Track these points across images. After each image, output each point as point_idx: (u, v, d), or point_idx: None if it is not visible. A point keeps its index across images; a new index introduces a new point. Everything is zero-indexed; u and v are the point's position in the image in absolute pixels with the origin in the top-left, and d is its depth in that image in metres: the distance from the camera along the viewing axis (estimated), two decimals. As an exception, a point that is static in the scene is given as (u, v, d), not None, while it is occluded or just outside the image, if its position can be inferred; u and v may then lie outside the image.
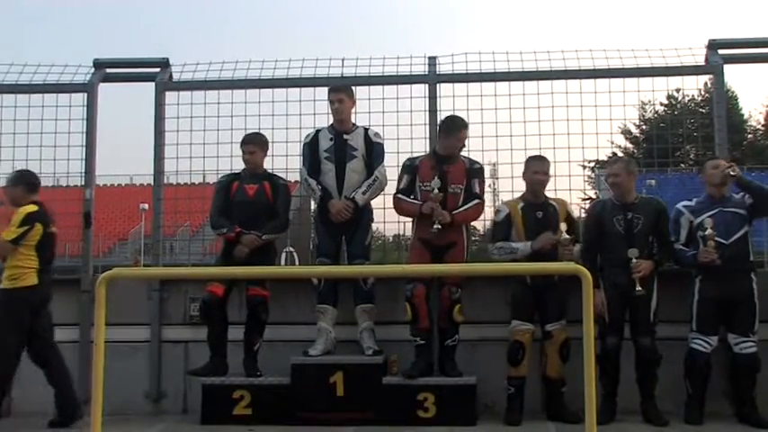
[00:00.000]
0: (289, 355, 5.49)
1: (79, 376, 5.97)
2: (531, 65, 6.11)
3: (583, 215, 6.64)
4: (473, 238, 6.02)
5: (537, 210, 5.40)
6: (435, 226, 5.30)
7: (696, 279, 5.26)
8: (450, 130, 5.53)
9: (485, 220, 5.90)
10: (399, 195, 5.57)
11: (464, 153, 5.71)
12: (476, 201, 5.49)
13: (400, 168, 5.68)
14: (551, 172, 5.61)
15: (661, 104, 29.97)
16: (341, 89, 5.77)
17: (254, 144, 5.77)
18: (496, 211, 5.60)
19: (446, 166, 5.50)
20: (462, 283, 5.41)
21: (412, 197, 5.53)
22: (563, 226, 5.26)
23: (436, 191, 5.32)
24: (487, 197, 5.91)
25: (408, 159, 5.69)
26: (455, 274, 5.24)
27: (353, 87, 5.92)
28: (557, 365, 5.26)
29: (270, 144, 5.96)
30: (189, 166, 6.33)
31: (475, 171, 5.58)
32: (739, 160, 5.45)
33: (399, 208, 5.62)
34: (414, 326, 5.39)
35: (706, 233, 5.12)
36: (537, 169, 5.46)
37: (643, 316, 5.23)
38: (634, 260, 5.15)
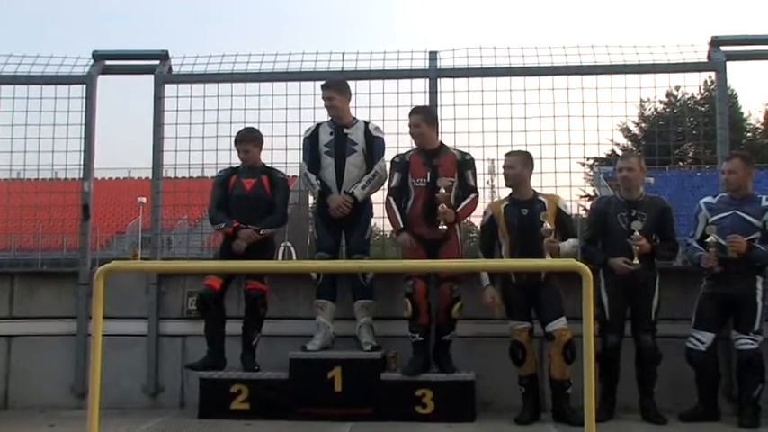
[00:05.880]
0: (287, 350, 5.47)
1: (76, 369, 5.98)
2: (532, 60, 6.08)
3: (581, 212, 6.61)
4: (470, 234, 5.98)
5: (522, 207, 5.32)
6: (441, 226, 5.28)
7: (703, 278, 5.26)
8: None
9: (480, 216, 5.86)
10: (390, 198, 5.55)
11: (465, 147, 5.71)
12: (472, 195, 5.48)
13: (390, 166, 5.64)
14: (552, 168, 5.60)
15: (660, 102, 30.00)
16: (329, 87, 5.70)
17: (248, 142, 5.72)
18: (483, 214, 5.52)
19: (435, 160, 5.46)
20: (462, 280, 5.39)
21: (404, 198, 5.49)
22: (542, 215, 5.16)
23: (443, 190, 5.28)
24: (486, 193, 5.92)
25: (397, 156, 5.64)
26: (455, 270, 5.22)
27: (352, 81, 5.90)
28: (560, 366, 5.14)
29: (269, 138, 5.94)
30: (188, 160, 6.29)
31: (467, 162, 5.53)
32: (749, 158, 5.35)
33: (387, 213, 5.60)
34: (413, 322, 5.37)
35: (707, 240, 5.11)
36: (504, 164, 5.40)
37: (644, 313, 5.22)
38: (636, 233, 5.10)
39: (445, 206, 5.27)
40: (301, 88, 6.17)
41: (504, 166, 5.40)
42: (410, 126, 5.55)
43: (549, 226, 5.11)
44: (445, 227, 5.28)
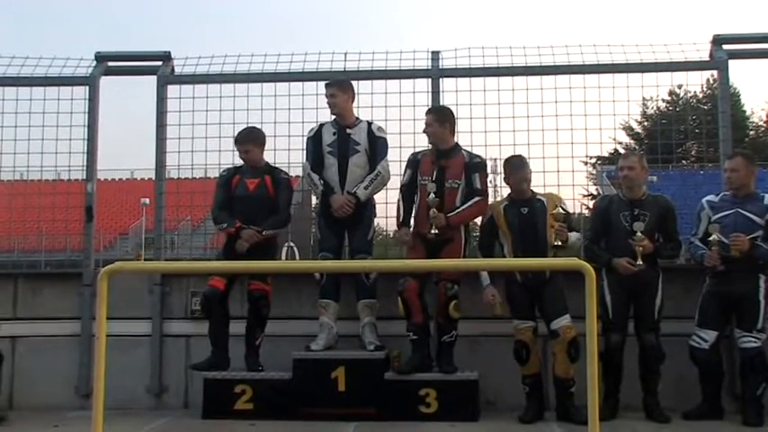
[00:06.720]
0: (290, 350, 5.47)
1: (80, 370, 5.99)
2: (534, 60, 6.08)
3: (583, 211, 6.62)
4: (474, 234, 5.97)
5: (522, 206, 5.33)
6: (432, 230, 5.25)
7: (706, 276, 5.26)
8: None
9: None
10: (400, 196, 5.57)
11: (467, 147, 5.70)
12: (476, 198, 5.42)
13: (405, 162, 5.66)
14: (555, 167, 5.62)
15: (663, 101, 29.91)
16: (332, 84, 5.74)
17: (248, 142, 5.71)
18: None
19: (444, 161, 5.45)
20: (460, 279, 5.36)
21: (416, 196, 5.51)
22: (548, 202, 5.25)
23: (432, 195, 5.26)
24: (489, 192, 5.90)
25: (412, 154, 5.67)
26: (455, 270, 5.21)
27: (354, 81, 5.90)
28: (564, 364, 5.13)
29: (272, 138, 5.94)
30: (191, 161, 6.30)
31: (475, 165, 5.49)
32: (751, 156, 5.33)
33: (396, 209, 5.63)
34: (408, 321, 5.37)
35: (710, 239, 5.11)
36: (520, 177, 5.34)
37: (647, 312, 5.22)
38: (639, 233, 5.11)
39: (435, 210, 5.24)
40: (304, 88, 6.19)
41: (522, 180, 5.34)
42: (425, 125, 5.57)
43: (561, 210, 5.16)
44: (435, 231, 5.25)
